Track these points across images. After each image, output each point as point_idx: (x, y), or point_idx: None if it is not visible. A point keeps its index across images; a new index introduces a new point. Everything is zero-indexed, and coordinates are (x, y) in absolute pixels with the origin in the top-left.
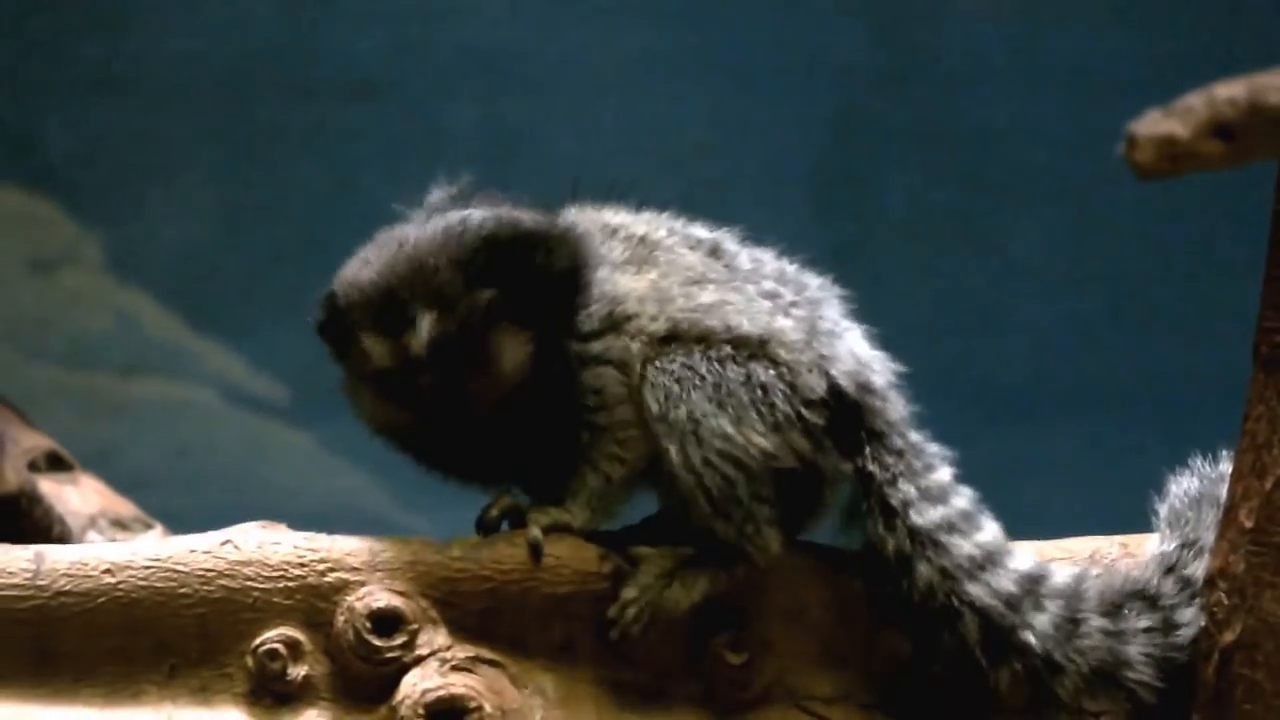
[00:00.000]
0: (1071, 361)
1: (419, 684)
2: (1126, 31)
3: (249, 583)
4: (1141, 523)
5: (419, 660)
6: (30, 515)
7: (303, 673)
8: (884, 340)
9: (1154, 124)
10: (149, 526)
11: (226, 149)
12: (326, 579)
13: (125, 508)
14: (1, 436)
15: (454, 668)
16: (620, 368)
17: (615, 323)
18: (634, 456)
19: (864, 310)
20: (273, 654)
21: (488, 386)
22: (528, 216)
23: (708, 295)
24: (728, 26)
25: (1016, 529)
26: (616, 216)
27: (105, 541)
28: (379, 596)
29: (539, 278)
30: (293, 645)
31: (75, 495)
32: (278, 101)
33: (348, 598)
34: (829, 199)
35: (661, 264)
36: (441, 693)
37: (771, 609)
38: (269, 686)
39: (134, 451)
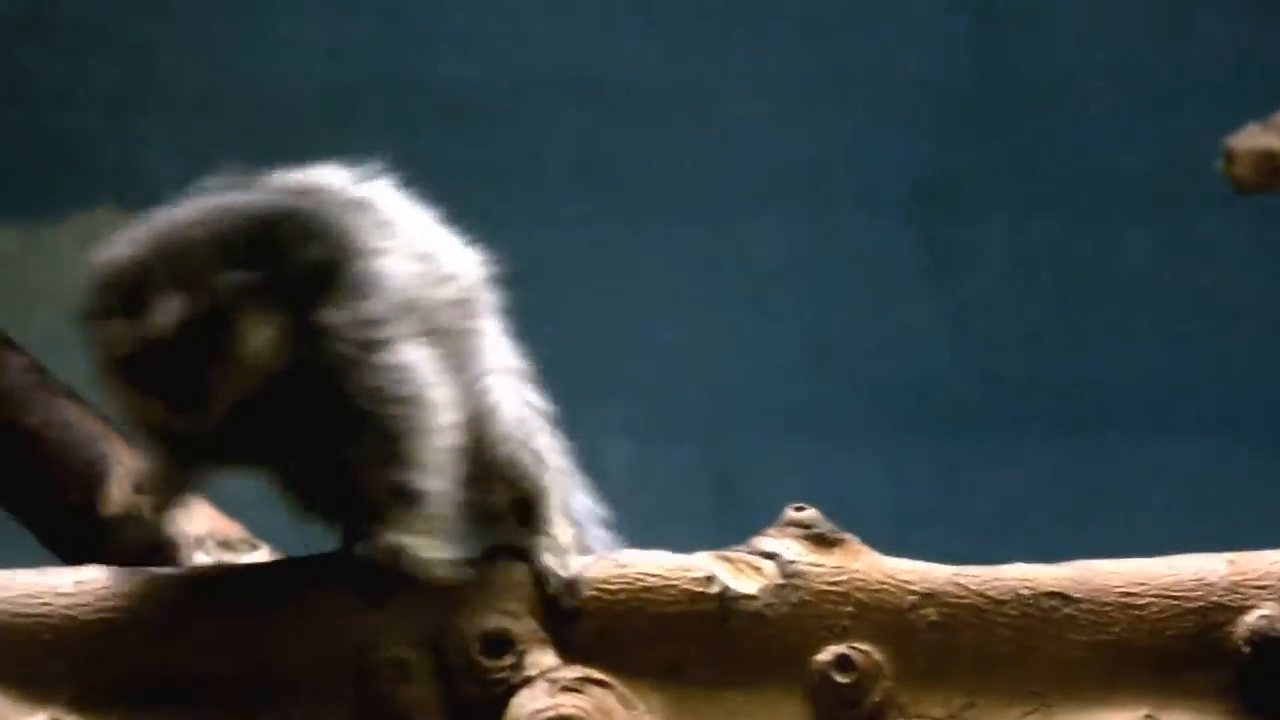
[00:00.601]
0: (1176, 380)
1: (528, 705)
2: (1229, 50)
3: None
4: (1250, 539)
5: (528, 681)
6: (137, 537)
7: (413, 694)
8: (984, 357)
9: (1252, 138)
10: (255, 547)
11: None
12: (442, 600)
13: (232, 529)
14: (108, 458)
15: (563, 688)
16: (429, 335)
17: (403, 309)
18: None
19: (964, 328)
20: (383, 675)
21: (231, 376)
22: (302, 202)
23: (434, 251)
24: (826, 48)
25: (1122, 546)
26: (330, 177)
27: (213, 562)
28: (488, 618)
29: (304, 266)
30: (403, 666)
31: (181, 516)
32: (375, 127)
33: (457, 619)
34: (927, 220)
35: (395, 230)
36: (551, 713)
37: (879, 627)
38: (380, 708)
39: None
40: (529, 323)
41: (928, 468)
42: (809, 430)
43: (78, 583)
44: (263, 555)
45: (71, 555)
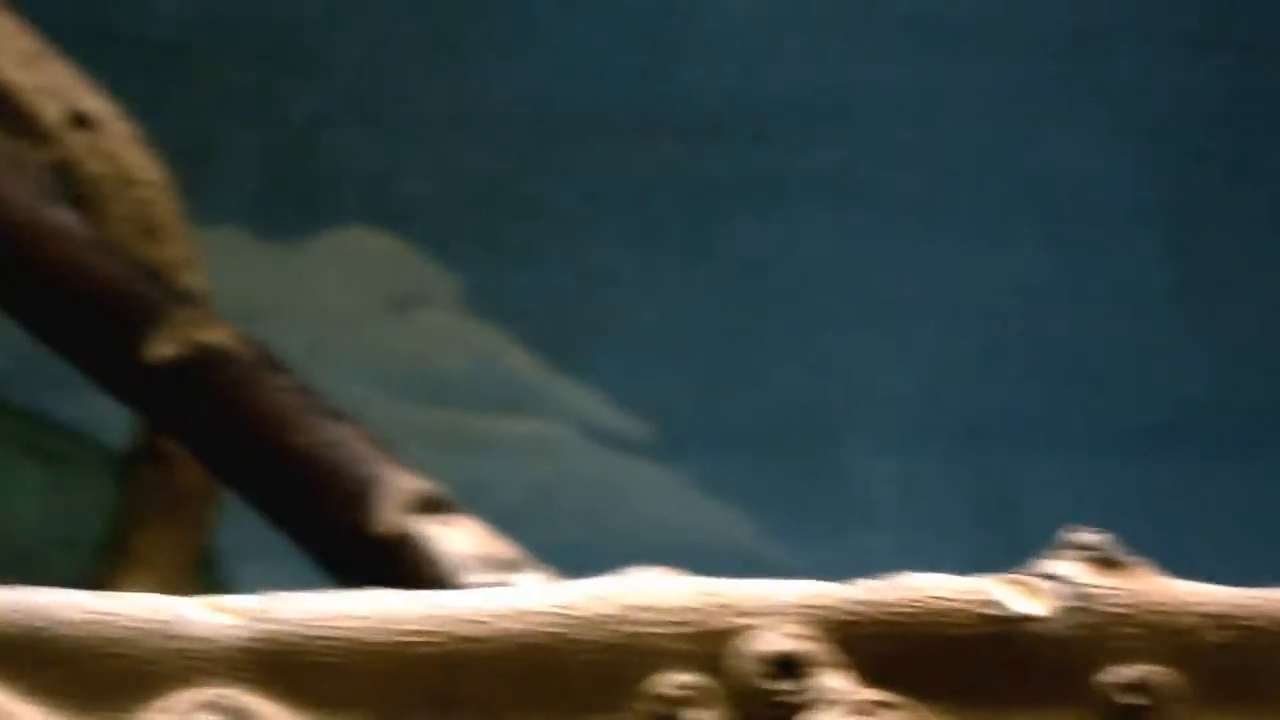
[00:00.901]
0: None
1: None
2: None
3: (646, 627)
4: None
5: (818, 704)
6: (409, 558)
7: (702, 718)
8: (1246, 375)
9: None
10: (528, 568)
11: (576, 188)
12: (724, 622)
13: (504, 549)
14: (378, 478)
15: (855, 712)
16: None
17: None
18: None
19: (1205, 347)
20: (672, 699)
21: None
22: None
23: None
24: (1071, 64)
25: None
26: None
27: (485, 584)
28: (777, 640)
29: None
30: (691, 690)
31: (453, 536)
32: (628, 142)
33: (745, 641)
34: (1178, 238)
35: None
36: None
37: (1167, 649)
38: None
39: (495, 490)
40: (788, 337)
41: (1188, 486)
42: (1072, 448)
43: (362, 604)
44: (541, 577)
45: (341, 574)
